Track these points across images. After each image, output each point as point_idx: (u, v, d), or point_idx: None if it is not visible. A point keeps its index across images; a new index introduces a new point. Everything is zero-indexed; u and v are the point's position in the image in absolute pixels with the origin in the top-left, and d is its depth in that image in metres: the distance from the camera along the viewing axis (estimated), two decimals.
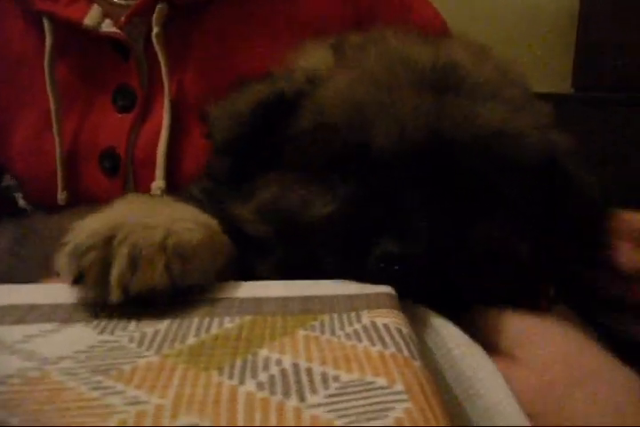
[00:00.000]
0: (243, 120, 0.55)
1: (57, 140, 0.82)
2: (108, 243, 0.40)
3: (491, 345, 0.42)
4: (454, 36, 0.70)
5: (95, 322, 0.38)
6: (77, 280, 0.39)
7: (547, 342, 0.41)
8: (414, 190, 0.47)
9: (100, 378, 0.30)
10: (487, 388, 0.37)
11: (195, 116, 0.79)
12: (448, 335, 0.40)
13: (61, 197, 0.83)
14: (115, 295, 0.38)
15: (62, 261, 0.40)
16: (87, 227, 0.42)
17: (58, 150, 0.82)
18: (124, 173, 0.82)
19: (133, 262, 0.39)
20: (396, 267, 0.43)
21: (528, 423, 0.34)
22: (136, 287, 0.38)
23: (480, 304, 0.46)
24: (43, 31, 0.81)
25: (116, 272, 0.38)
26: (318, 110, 0.52)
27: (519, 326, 0.43)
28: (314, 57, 0.58)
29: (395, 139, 0.48)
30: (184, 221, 0.44)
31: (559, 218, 0.53)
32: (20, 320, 0.37)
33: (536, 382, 0.38)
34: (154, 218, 0.43)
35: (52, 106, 0.81)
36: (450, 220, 0.46)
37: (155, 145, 0.80)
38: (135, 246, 0.40)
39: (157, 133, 0.80)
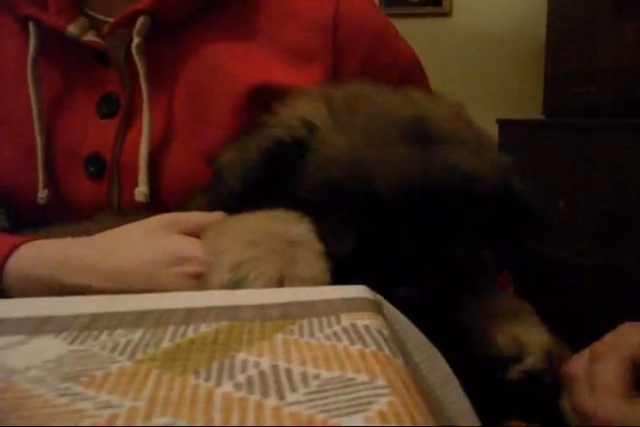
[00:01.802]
0: (254, 165, 0.64)
1: (38, 138, 0.81)
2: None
3: None
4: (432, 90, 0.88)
5: (65, 333, 0.36)
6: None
7: None
8: (414, 233, 0.58)
9: (69, 385, 0.29)
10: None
11: (181, 125, 0.82)
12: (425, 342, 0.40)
13: (42, 195, 0.82)
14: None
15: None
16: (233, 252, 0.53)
17: (39, 147, 0.82)
18: (109, 178, 0.82)
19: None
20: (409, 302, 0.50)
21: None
22: None
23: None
24: (28, 35, 0.83)
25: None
26: (324, 168, 0.62)
27: None
28: (307, 108, 0.68)
29: (395, 186, 0.58)
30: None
31: (514, 228, 0.67)
32: None
33: None
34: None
35: (33, 102, 0.82)
36: (439, 247, 0.58)
37: (140, 151, 0.81)
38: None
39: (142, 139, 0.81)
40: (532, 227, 0.68)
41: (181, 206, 0.76)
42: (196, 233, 0.63)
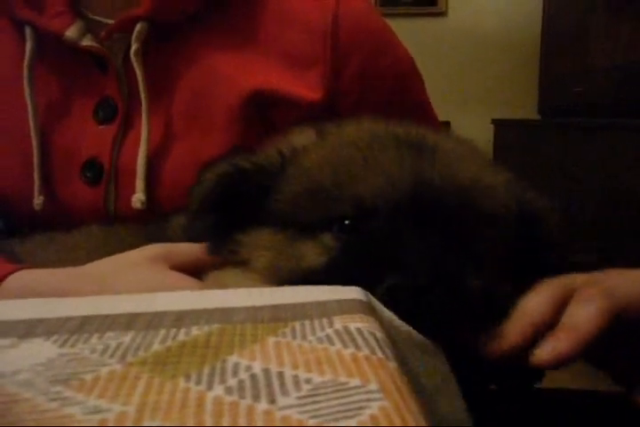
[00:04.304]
0: (209, 191, 0.61)
1: (34, 141, 0.81)
2: None
3: None
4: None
5: (55, 336, 0.36)
6: None
7: None
8: (406, 233, 0.50)
9: (58, 388, 0.28)
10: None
11: (179, 130, 0.82)
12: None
13: (38, 201, 0.81)
14: None
15: None
16: None
17: (35, 153, 0.81)
18: (106, 184, 0.82)
19: None
20: (404, 298, 0.45)
21: None
22: None
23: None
24: (24, 39, 0.83)
25: None
26: (305, 175, 0.57)
27: None
28: (299, 137, 0.63)
29: (383, 190, 0.52)
30: None
31: (534, 259, 0.57)
32: None
33: None
34: None
35: (29, 106, 0.81)
36: (443, 259, 0.49)
37: (137, 157, 0.80)
38: None
39: (140, 146, 0.81)
40: (554, 253, 0.59)
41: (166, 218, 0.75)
42: (186, 268, 0.62)
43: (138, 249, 0.64)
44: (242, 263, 0.59)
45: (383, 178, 0.53)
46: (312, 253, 0.54)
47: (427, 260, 0.48)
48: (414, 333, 0.41)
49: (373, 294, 0.44)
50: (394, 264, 0.47)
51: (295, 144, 0.61)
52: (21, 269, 0.64)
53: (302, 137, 0.63)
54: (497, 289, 0.53)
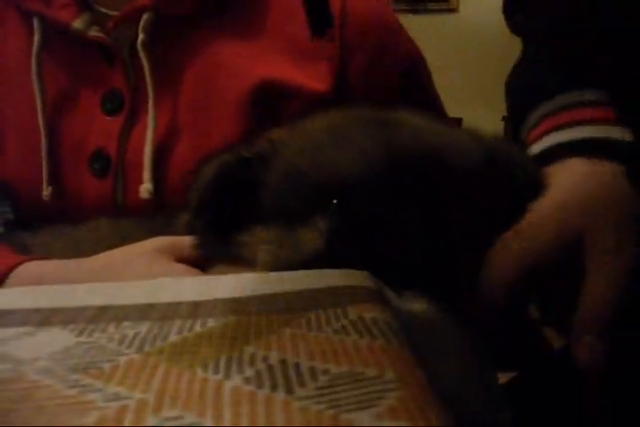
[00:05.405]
0: (208, 184, 0.61)
1: (42, 133, 0.82)
2: None
3: None
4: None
5: (72, 325, 0.36)
6: None
7: None
8: (388, 202, 0.51)
9: (77, 376, 0.29)
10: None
11: (186, 121, 0.82)
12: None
13: (46, 192, 0.82)
14: None
15: None
16: None
17: (44, 144, 0.82)
18: (114, 175, 0.82)
19: None
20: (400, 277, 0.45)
21: None
22: None
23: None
24: (32, 31, 0.83)
25: None
26: (284, 163, 0.58)
27: None
28: (273, 132, 0.64)
29: (359, 163, 0.53)
30: None
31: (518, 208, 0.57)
32: None
33: None
34: None
35: (38, 98, 0.82)
36: (428, 225, 0.50)
37: (144, 148, 0.81)
38: None
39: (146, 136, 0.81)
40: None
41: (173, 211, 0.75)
42: (190, 260, 0.62)
43: (142, 242, 0.64)
44: (246, 261, 0.59)
45: (356, 151, 0.54)
46: (308, 238, 0.55)
47: (413, 229, 0.49)
48: (422, 316, 0.41)
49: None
50: (384, 240, 0.49)
51: (272, 137, 0.63)
52: (30, 260, 0.65)
53: (275, 133, 0.64)
54: (487, 243, 0.53)
